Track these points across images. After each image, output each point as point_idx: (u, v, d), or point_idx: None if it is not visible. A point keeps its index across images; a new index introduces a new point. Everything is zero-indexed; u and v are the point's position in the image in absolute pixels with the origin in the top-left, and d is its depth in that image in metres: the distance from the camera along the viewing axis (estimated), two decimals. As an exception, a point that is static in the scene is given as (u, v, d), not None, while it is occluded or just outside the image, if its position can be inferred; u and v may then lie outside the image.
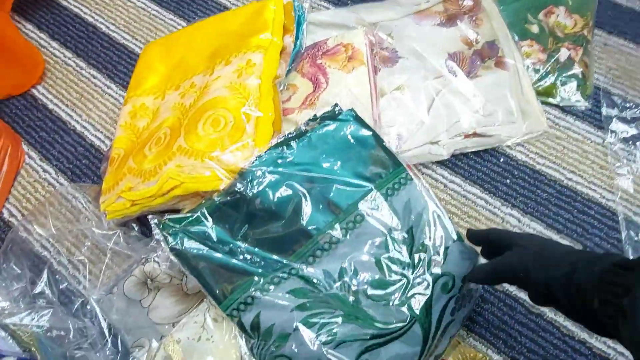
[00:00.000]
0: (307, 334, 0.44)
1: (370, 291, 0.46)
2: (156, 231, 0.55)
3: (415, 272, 0.47)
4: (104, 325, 0.58)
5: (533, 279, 0.36)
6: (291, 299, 0.46)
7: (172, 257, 0.50)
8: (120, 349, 0.57)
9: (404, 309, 0.45)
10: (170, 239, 0.49)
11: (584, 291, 0.31)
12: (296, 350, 0.44)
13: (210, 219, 0.50)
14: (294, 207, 0.49)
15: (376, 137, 0.53)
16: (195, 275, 0.48)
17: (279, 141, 0.53)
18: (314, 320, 0.45)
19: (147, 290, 0.57)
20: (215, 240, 0.49)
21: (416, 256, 0.47)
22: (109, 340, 0.58)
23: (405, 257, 0.47)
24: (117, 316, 0.56)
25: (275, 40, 0.63)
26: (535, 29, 0.71)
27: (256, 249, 0.48)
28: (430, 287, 0.46)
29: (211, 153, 0.54)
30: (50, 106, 0.79)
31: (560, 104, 0.68)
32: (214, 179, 0.54)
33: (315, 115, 0.55)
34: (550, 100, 0.68)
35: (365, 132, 0.53)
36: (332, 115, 0.54)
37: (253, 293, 0.46)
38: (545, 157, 0.65)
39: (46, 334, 0.56)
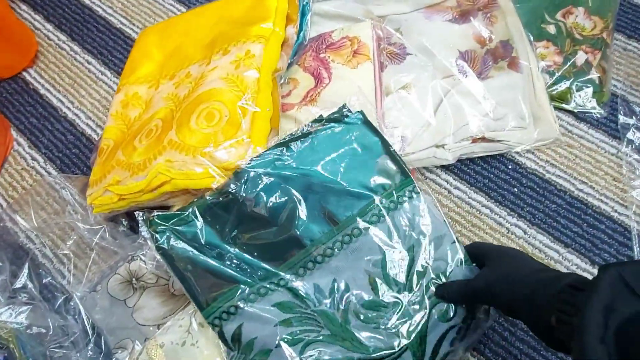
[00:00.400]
0: (289, 352, 0.42)
1: (361, 311, 0.44)
2: (143, 228, 0.52)
3: (412, 295, 0.43)
4: (87, 323, 0.56)
5: (497, 301, 0.38)
6: (276, 312, 0.43)
7: (158, 257, 0.47)
8: (103, 349, 0.55)
9: (395, 334, 0.42)
10: (157, 237, 0.47)
11: (542, 310, 0.33)
12: None
13: (200, 219, 0.47)
14: (288, 213, 0.46)
15: (384, 144, 0.48)
16: (179, 278, 0.46)
17: (279, 142, 0.50)
18: (298, 337, 0.42)
19: (132, 290, 0.55)
20: (203, 242, 0.46)
21: (414, 278, 0.44)
22: (92, 339, 0.55)
23: (401, 279, 0.44)
24: (100, 315, 0.54)
25: (277, 30, 0.60)
26: (552, 29, 0.67)
27: (245, 255, 0.45)
28: (427, 313, 0.43)
29: (203, 149, 0.51)
30: (42, 91, 0.76)
31: (575, 110, 0.64)
32: (206, 176, 0.51)
33: (320, 115, 0.51)
34: (564, 106, 0.65)
35: (373, 138, 0.48)
36: (339, 117, 0.50)
37: (237, 303, 0.44)
38: (556, 165, 0.62)
39: (26, 331, 0.53)
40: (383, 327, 0.43)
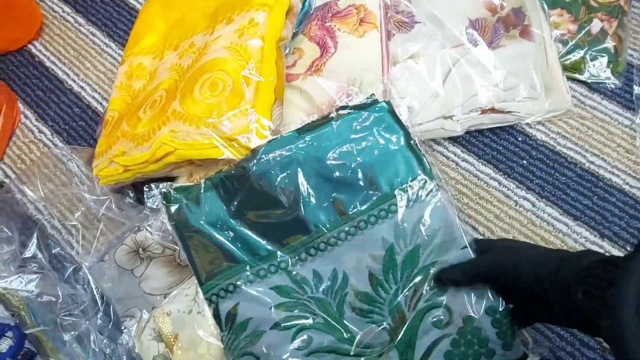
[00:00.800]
0: (281, 336, 0.42)
1: (356, 304, 0.43)
2: (149, 199, 0.52)
3: (408, 295, 0.42)
4: (96, 292, 0.56)
5: (524, 275, 0.36)
6: (273, 295, 0.43)
7: (170, 228, 0.47)
8: (112, 317, 0.56)
9: (385, 332, 0.42)
10: (170, 208, 0.47)
11: (569, 285, 0.32)
12: (266, 351, 0.42)
13: (211, 193, 0.47)
14: (297, 197, 0.45)
15: (407, 136, 0.46)
16: (184, 250, 0.46)
17: (300, 126, 0.49)
18: (292, 323, 0.43)
19: (139, 260, 0.55)
20: (213, 216, 0.46)
21: (416, 279, 0.42)
22: (101, 308, 0.56)
23: (400, 277, 0.42)
24: (109, 285, 0.55)
25: (282, -2, 0.59)
26: (566, -4, 0.65)
27: (250, 233, 0.45)
28: (420, 317, 0.41)
29: (207, 119, 0.50)
30: (47, 63, 0.76)
31: (588, 81, 0.62)
32: (209, 146, 0.50)
33: (346, 103, 0.50)
34: (577, 76, 0.63)
35: (396, 130, 0.46)
36: (364, 105, 0.48)
37: (236, 282, 0.44)
38: (567, 137, 0.60)
39: (36, 299, 0.54)
40: (375, 323, 0.42)
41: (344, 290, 0.44)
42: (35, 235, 0.58)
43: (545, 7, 0.63)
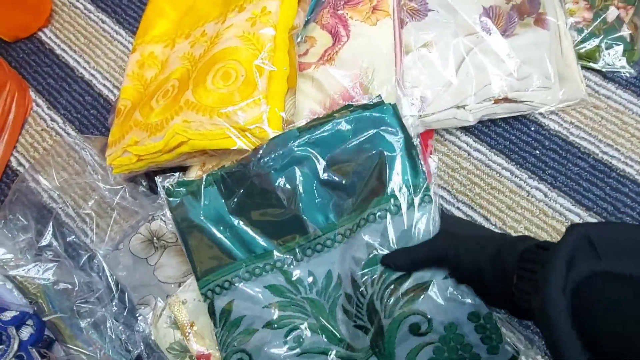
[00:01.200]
0: (273, 334, 0.43)
1: (346, 306, 0.43)
2: (162, 191, 0.53)
3: (386, 301, 0.40)
4: (111, 280, 0.57)
5: (464, 259, 0.37)
6: (267, 294, 0.44)
7: (171, 221, 0.48)
8: (127, 304, 0.57)
9: (366, 337, 0.42)
10: (170, 202, 0.48)
11: (506, 269, 0.33)
12: (259, 349, 0.43)
13: (213, 188, 0.47)
14: (296, 197, 0.45)
15: (407, 142, 0.45)
16: (183, 243, 0.47)
17: (301, 125, 0.49)
18: (284, 322, 0.43)
19: (153, 249, 0.56)
20: (212, 211, 0.47)
21: (393, 285, 0.41)
22: (116, 295, 0.57)
23: (379, 283, 0.41)
24: (123, 273, 0.56)
25: (294, -14, 0.58)
26: (582, -17, 0.63)
27: (248, 230, 0.45)
28: (397, 324, 0.40)
29: (220, 109, 0.50)
30: (58, 51, 0.76)
31: (603, 70, 0.62)
32: (222, 136, 0.51)
33: (349, 103, 0.50)
34: (592, 64, 0.62)
35: (397, 134, 0.45)
36: (369, 106, 0.47)
37: (232, 279, 0.44)
38: (581, 127, 0.60)
39: (53, 287, 0.55)
40: (358, 326, 0.42)
41: (338, 291, 0.44)
42: (50, 223, 0.58)
43: (561, -6, 0.62)
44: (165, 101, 0.55)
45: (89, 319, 0.54)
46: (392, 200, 0.43)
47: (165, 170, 0.58)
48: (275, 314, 0.43)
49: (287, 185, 0.46)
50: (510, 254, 0.33)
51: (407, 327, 0.40)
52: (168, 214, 0.47)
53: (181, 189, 0.47)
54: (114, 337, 0.53)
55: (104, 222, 0.61)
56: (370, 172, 0.44)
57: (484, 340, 0.39)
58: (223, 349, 0.44)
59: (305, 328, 0.43)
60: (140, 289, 0.55)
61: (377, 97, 0.49)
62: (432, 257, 0.39)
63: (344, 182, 0.45)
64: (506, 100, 0.58)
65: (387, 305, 0.40)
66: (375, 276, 0.41)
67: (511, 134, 0.61)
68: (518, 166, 0.59)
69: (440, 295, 0.40)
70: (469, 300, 0.39)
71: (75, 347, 0.50)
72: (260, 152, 0.47)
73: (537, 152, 0.59)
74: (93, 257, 0.59)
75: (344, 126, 0.46)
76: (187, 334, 0.49)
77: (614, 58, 0.61)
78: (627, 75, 0.61)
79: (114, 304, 0.57)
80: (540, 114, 0.61)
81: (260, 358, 0.43)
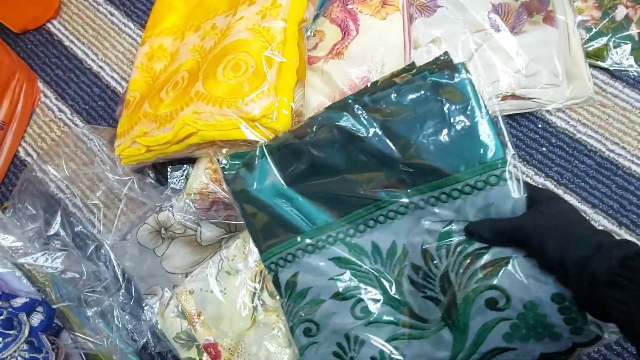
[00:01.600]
0: (340, 305, 0.42)
1: (413, 277, 0.41)
2: (172, 180, 0.53)
3: (462, 273, 0.39)
4: (118, 270, 0.58)
5: (548, 252, 0.34)
6: (332, 266, 0.43)
7: (230, 195, 0.47)
8: (134, 294, 0.57)
9: (438, 309, 0.40)
10: (227, 175, 0.46)
11: (597, 274, 0.31)
12: (325, 319, 0.42)
13: (268, 160, 0.45)
14: (358, 167, 0.43)
15: (479, 109, 0.39)
16: (242, 216, 0.45)
17: (357, 91, 0.45)
18: (351, 293, 0.42)
19: (160, 239, 0.56)
20: (269, 184, 0.45)
21: (470, 257, 0.38)
22: (123, 285, 0.58)
23: (454, 254, 0.39)
24: (131, 263, 0.56)
25: (305, -20, 0.58)
26: (591, -19, 0.64)
27: (307, 202, 0.44)
28: (472, 297, 0.38)
29: (230, 100, 0.51)
30: (66, 43, 0.76)
31: (610, 68, 0.62)
32: (232, 127, 0.51)
33: (412, 63, 0.44)
34: (600, 63, 0.62)
35: (467, 101, 0.39)
36: (433, 68, 0.41)
37: (295, 252, 0.43)
38: (588, 125, 0.60)
39: (61, 275, 0.56)
40: (428, 297, 0.41)
41: (403, 262, 0.42)
42: (59, 213, 0.59)
43: (570, -8, 0.63)
44: (175, 92, 0.56)
45: (95, 308, 0.55)
46: (461, 180, 0.39)
47: (173, 162, 0.59)
48: (342, 285, 0.42)
49: (348, 156, 0.43)
50: (606, 259, 0.31)
51: (484, 301, 0.38)
52: (226, 188, 0.46)
53: (236, 161, 0.46)
54: (120, 326, 0.54)
55: (111, 213, 0.62)
56: (435, 145, 0.40)
57: (568, 321, 0.36)
58: (290, 319, 0.44)
59: (372, 299, 0.42)
60: (148, 279, 0.55)
61: (444, 54, 0.42)
62: (517, 238, 0.36)
63: (404, 156, 0.41)
64: (514, 97, 0.58)
65: (463, 278, 0.38)
66: (451, 248, 0.39)
67: (518, 131, 0.61)
68: (525, 163, 0.59)
69: (521, 272, 0.37)
70: (552, 280, 0.36)
71: (82, 336, 0.50)
72: (317, 121, 0.44)
73: (544, 149, 0.59)
74: (100, 247, 0.60)
75: (404, 92, 0.41)
76: (194, 324, 0.49)
77: (622, 57, 0.62)
78: (635, 74, 0.62)
79: (120, 293, 0.57)
80: (548, 111, 0.61)
81: (327, 328, 0.42)
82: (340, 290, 0.42)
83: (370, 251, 0.43)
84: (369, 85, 0.45)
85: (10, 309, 0.43)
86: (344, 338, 0.42)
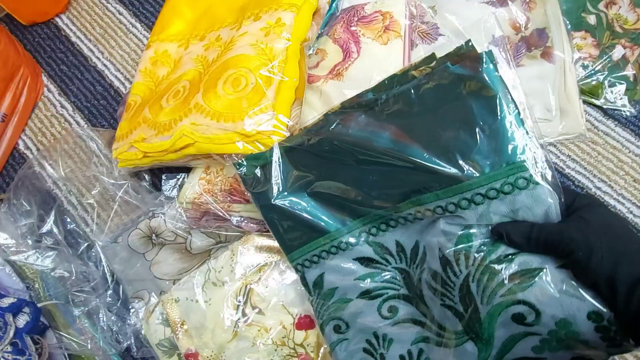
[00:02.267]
0: (368, 304, 0.41)
1: (431, 282, 0.38)
2: (166, 187, 0.54)
3: (484, 284, 0.35)
4: (107, 271, 0.59)
5: (596, 266, 0.30)
6: (357, 266, 0.42)
7: (250, 198, 0.46)
8: (121, 296, 0.59)
9: (457, 320, 0.37)
10: (245, 179, 0.46)
11: None
12: (354, 318, 0.42)
13: (284, 160, 0.45)
14: (374, 170, 0.40)
15: (507, 103, 0.35)
16: (265, 219, 0.45)
17: (373, 86, 0.42)
18: (378, 292, 0.42)
19: (151, 245, 0.57)
20: (288, 185, 0.44)
21: (490, 268, 0.34)
22: (111, 286, 0.59)
23: (475, 263, 0.35)
24: (120, 266, 0.57)
25: (310, -1, 0.59)
26: (592, 19, 0.65)
27: (326, 204, 0.43)
28: (496, 312, 0.34)
29: (228, 115, 0.52)
30: (73, 39, 0.77)
31: (604, 106, 0.63)
32: (228, 141, 0.52)
33: (433, 54, 0.40)
34: (594, 100, 0.63)
35: (493, 95, 0.35)
36: (454, 58, 0.37)
37: (319, 253, 0.43)
38: (577, 161, 0.61)
39: (50, 273, 0.57)
40: (446, 306, 0.37)
41: (422, 265, 0.39)
42: (53, 210, 0.60)
43: (570, 28, 0.64)
44: (175, 102, 0.57)
45: (82, 308, 0.56)
46: (484, 184, 0.35)
47: (169, 169, 0.60)
48: (368, 285, 0.42)
49: (363, 158, 0.40)
50: None
51: (510, 316, 0.34)
52: (245, 190, 0.45)
53: (252, 162, 0.46)
54: (105, 327, 0.55)
55: (105, 214, 0.63)
56: (455, 142, 0.36)
57: (605, 338, 0.32)
58: (319, 317, 0.44)
59: (399, 298, 0.41)
60: (136, 283, 0.57)
61: (466, 42, 0.39)
62: (560, 247, 0.32)
63: (424, 156, 0.37)
64: (507, 129, 0.59)
65: (486, 290, 0.35)
66: (470, 254, 0.35)
67: (509, 162, 0.62)
68: (513, 194, 0.60)
69: (553, 286, 0.33)
70: (589, 297, 0.32)
71: (67, 336, 0.51)
72: (332, 119, 0.43)
73: (533, 182, 0.61)
74: (91, 247, 0.61)
75: (425, 89, 0.38)
76: (177, 332, 0.50)
77: (616, 96, 0.63)
78: (628, 114, 0.63)
79: (108, 294, 0.58)
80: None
81: (356, 325, 0.42)
82: (367, 289, 0.42)
83: (395, 250, 0.41)
84: (385, 80, 0.41)
85: (-3, 308, 0.44)
86: (373, 336, 0.42)
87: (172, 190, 0.57)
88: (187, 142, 0.53)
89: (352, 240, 0.42)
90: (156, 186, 0.63)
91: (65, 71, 0.75)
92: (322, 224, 0.43)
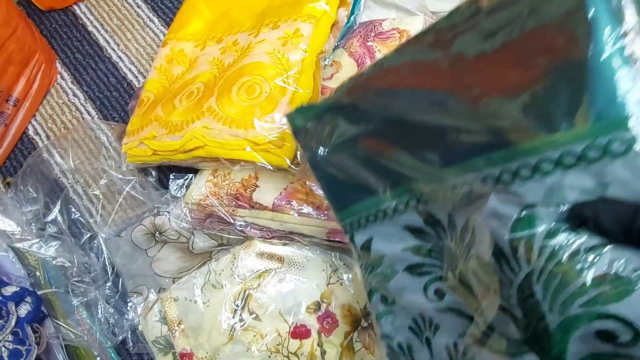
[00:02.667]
0: (413, 281, 0.36)
1: (478, 273, 0.30)
2: (173, 186, 0.54)
3: (551, 288, 0.25)
4: (108, 263, 0.60)
5: None
6: (406, 235, 0.36)
7: (300, 154, 0.43)
8: (120, 289, 0.59)
9: (512, 325, 0.28)
10: (296, 130, 0.42)
11: None
12: (400, 293, 0.37)
13: (339, 115, 0.39)
14: (434, 131, 0.33)
15: (607, 45, 0.23)
16: (314, 174, 0.41)
17: (427, 27, 0.33)
18: (424, 269, 0.35)
19: (154, 241, 0.58)
20: (341, 140, 0.39)
21: (566, 265, 0.25)
22: (110, 278, 0.60)
23: (542, 257, 0.25)
24: (122, 260, 0.58)
25: (329, 11, 0.60)
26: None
27: (380, 161, 0.37)
28: (574, 324, 0.25)
29: (240, 121, 0.52)
30: (90, 28, 0.77)
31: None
32: (238, 148, 0.52)
33: None
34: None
35: (588, 34, 0.24)
36: None
37: (368, 216, 0.39)
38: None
39: (52, 262, 0.58)
40: (499, 307, 0.29)
41: (470, 251, 0.30)
42: (60, 199, 0.60)
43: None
44: (188, 103, 0.57)
45: (81, 298, 0.56)
46: (571, 140, 0.24)
47: (177, 168, 0.61)
48: (415, 258, 0.36)
49: (426, 117, 0.33)
50: None
51: (593, 332, 0.24)
52: (298, 145, 0.42)
53: (305, 114, 0.42)
54: (102, 319, 0.56)
55: (110, 206, 0.63)
56: (530, 92, 0.26)
57: None
58: (367, 284, 0.40)
59: (446, 281, 0.33)
60: (136, 278, 0.57)
61: None
62: None
63: (477, 110, 0.29)
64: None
65: (557, 296, 0.25)
66: (534, 245, 0.26)
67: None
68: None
69: None
70: None
71: (65, 325, 0.52)
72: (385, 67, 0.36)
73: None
74: (94, 238, 0.61)
75: (495, 18, 0.28)
76: (174, 331, 0.51)
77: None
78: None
79: (107, 286, 0.59)
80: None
81: (402, 302, 0.37)
82: (414, 263, 0.35)
83: (447, 224, 0.33)
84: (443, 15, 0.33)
85: (0, 298, 0.45)
86: (419, 316, 0.36)
87: (178, 190, 0.57)
88: (198, 145, 0.54)
89: (401, 206, 0.36)
90: (162, 183, 0.64)
91: (79, 60, 0.75)
92: (375, 182, 0.38)
